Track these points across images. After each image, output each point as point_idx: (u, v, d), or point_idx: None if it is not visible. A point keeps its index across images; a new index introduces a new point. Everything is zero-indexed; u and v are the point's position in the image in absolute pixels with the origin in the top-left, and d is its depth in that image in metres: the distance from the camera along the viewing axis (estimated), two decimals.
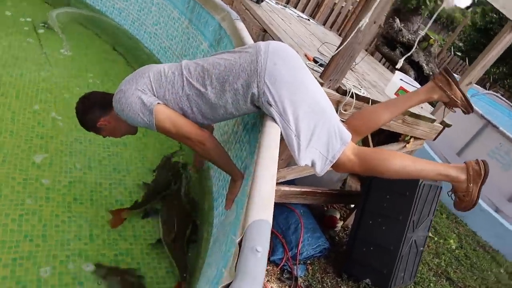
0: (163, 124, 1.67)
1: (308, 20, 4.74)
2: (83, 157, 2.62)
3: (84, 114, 1.89)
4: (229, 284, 0.87)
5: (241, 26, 2.33)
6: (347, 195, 3.53)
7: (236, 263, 0.92)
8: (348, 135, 1.73)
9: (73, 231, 2.18)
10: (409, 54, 3.07)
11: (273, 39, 2.84)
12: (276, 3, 4.51)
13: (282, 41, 2.75)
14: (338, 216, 3.70)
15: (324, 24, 6.84)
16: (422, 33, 3.10)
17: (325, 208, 3.81)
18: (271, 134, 1.48)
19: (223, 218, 1.94)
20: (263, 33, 2.88)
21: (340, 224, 3.64)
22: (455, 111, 2.08)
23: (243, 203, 1.32)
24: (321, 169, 1.69)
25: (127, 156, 2.77)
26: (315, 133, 1.62)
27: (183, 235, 2.32)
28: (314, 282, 2.87)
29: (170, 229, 2.32)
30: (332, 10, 7.07)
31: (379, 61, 5.28)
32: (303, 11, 6.62)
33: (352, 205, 3.79)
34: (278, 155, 1.39)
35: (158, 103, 1.65)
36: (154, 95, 1.67)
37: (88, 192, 2.41)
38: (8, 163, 2.34)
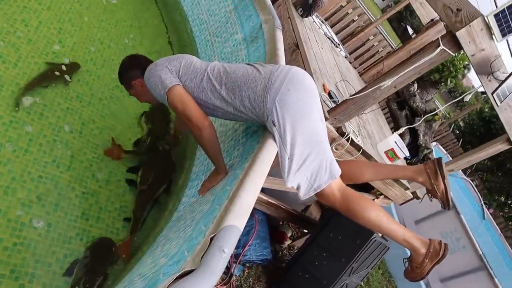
0: (174, 100, 1.81)
1: (338, 45, 4.88)
2: (87, 89, 2.69)
3: (127, 68, 2.05)
4: (191, 271, 1.01)
5: (280, 36, 2.44)
6: (304, 220, 3.70)
7: (203, 255, 1.05)
8: (338, 170, 1.87)
9: (53, 156, 2.26)
10: (413, 125, 3.27)
11: (301, 58, 2.97)
12: (316, 15, 4.62)
13: (308, 63, 2.88)
14: (289, 234, 3.89)
15: (350, 54, 7.01)
16: (437, 109, 3.29)
17: (280, 223, 3.99)
18: (270, 152, 1.61)
19: (193, 201, 2.07)
20: (295, 48, 3.00)
21: (288, 242, 3.83)
22: (431, 201, 2.19)
23: (222, 201, 1.45)
24: (304, 194, 1.83)
25: (126, 104, 2.85)
26: (307, 160, 1.76)
27: (154, 191, 2.47)
28: (245, 285, 3.04)
29: (145, 180, 2.46)
30: (363, 44, 7.24)
31: (383, 110, 5.48)
32: (337, 33, 6.76)
33: (305, 230, 3.98)
34: (267, 172, 1.53)
35: (178, 84, 1.81)
36: (178, 77, 1.83)
37: (80, 124, 2.50)
38: (18, 69, 2.40)
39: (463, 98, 2.61)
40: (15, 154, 2.13)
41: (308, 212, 3.85)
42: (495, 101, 2.23)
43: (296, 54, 2.99)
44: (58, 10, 2.89)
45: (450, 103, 2.61)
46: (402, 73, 2.24)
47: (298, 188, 1.82)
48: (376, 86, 2.34)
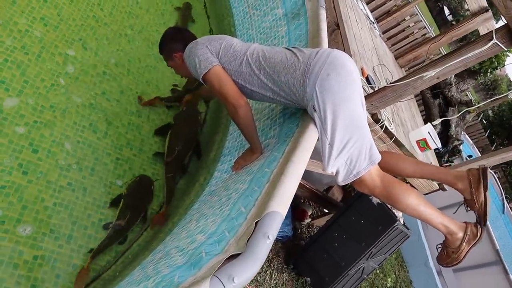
0: (211, 79, 1.81)
1: (373, 23, 4.74)
2: (124, 56, 2.70)
3: (170, 40, 2.05)
4: (236, 255, 1.04)
5: (323, 16, 2.37)
6: (326, 200, 3.73)
7: (248, 240, 1.08)
8: (377, 156, 1.84)
9: (91, 120, 2.31)
10: (449, 117, 3.18)
11: (341, 38, 2.90)
12: None
13: (348, 44, 2.82)
14: (309, 212, 3.92)
15: (383, 33, 6.78)
16: (472, 100, 3.19)
17: (301, 201, 4.02)
18: (311, 138, 1.61)
19: (226, 177, 2.09)
20: (335, 28, 2.92)
21: (308, 220, 3.87)
22: (467, 211, 2.01)
23: (261, 183, 1.46)
24: (343, 179, 1.82)
25: (160, 74, 2.85)
26: (347, 146, 1.75)
27: (182, 159, 2.51)
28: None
29: (173, 150, 2.47)
30: (398, 24, 6.97)
31: (415, 96, 5.36)
32: (372, 11, 6.53)
33: (326, 210, 4.02)
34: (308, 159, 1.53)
35: (217, 64, 1.81)
36: (217, 59, 1.83)
37: (117, 90, 2.52)
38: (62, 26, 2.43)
39: (507, 95, 2.51)
40: (54, 115, 2.18)
41: (331, 193, 3.88)
42: None
43: (336, 34, 2.91)
44: None
45: (493, 99, 2.51)
46: (447, 65, 2.16)
47: (337, 173, 1.82)
48: (418, 76, 2.27)
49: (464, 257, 1.83)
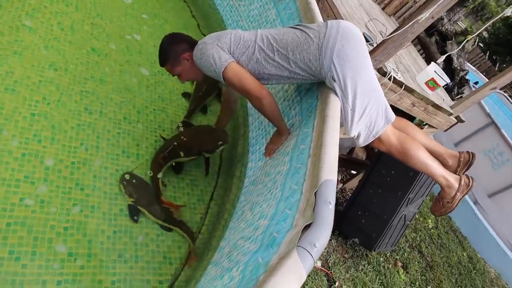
0: (230, 78, 1.89)
1: None
2: (132, 81, 2.79)
3: (172, 44, 2.05)
4: (308, 225, 1.15)
5: None
6: (352, 162, 3.84)
7: (313, 209, 1.19)
8: (392, 115, 1.97)
9: (121, 146, 2.42)
10: (450, 53, 3.24)
11: (329, 5, 2.96)
12: None
13: (337, 9, 2.88)
14: (339, 178, 4.04)
15: None
16: (467, 29, 3.23)
17: None
18: (336, 107, 1.71)
19: (262, 164, 2.20)
20: None
21: (339, 186, 3.99)
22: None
23: (303, 159, 1.57)
24: (363, 141, 1.96)
25: (170, 86, 2.95)
26: (367, 109, 1.88)
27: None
28: None
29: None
30: None
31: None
32: None
33: (354, 172, 4.13)
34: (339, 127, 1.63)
35: (232, 61, 1.89)
36: (230, 53, 1.90)
37: (135, 113, 2.62)
38: (70, 73, 2.53)
39: (504, 14, 2.56)
40: (89, 152, 2.29)
41: (354, 154, 3.98)
42: None
43: (322, 2, 2.97)
44: (86, 9, 2.98)
45: (491, 22, 2.56)
46: (439, 2, 2.22)
47: (358, 136, 1.95)
48: (413, 21, 2.33)
49: (456, 205, 2.03)
